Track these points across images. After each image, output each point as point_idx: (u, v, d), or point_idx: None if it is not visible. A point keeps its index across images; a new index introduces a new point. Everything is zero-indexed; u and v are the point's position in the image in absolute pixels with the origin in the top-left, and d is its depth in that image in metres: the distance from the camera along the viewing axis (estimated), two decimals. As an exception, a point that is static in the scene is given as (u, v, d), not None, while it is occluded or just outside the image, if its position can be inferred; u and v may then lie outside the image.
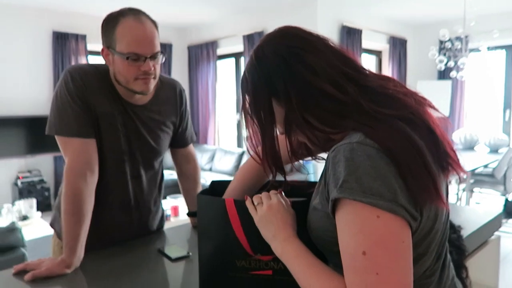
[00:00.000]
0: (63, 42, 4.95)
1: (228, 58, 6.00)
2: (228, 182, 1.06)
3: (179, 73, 6.17)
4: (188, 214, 1.35)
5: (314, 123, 0.71)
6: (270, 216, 0.78)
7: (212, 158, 5.63)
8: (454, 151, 0.71)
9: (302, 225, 0.77)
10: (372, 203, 0.58)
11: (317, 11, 4.40)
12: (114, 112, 1.23)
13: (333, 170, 0.63)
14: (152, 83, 1.21)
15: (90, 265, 1.14)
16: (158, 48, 1.18)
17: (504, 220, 3.77)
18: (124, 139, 1.26)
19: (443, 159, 0.68)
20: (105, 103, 1.22)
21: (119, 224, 1.33)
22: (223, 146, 5.84)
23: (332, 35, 4.54)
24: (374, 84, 0.71)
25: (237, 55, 5.82)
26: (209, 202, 0.92)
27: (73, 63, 5.01)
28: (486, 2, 4.47)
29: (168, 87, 1.38)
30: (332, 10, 4.55)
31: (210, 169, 5.57)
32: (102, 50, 1.19)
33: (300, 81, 0.70)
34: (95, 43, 5.15)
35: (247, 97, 0.78)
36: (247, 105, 0.77)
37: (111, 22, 1.15)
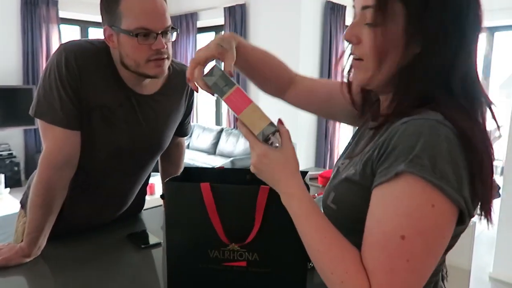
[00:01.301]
0: (33, 8, 4.67)
1: (209, 32, 5.81)
2: (202, 169, 1.00)
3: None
4: (162, 197, 1.29)
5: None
6: (261, 168, 0.69)
7: (190, 135, 5.54)
8: None
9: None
10: (440, 185, 0.54)
11: (301, -15, 4.27)
12: (113, 104, 1.08)
13: (401, 143, 0.57)
14: (167, 65, 1.06)
15: (53, 252, 1.06)
16: (169, 22, 1.03)
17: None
18: (122, 135, 1.12)
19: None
20: (104, 93, 1.07)
21: (99, 215, 1.24)
22: (202, 123, 5.74)
23: (315, 11, 4.44)
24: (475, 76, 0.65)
25: (217, 29, 5.64)
26: (182, 188, 0.85)
27: (43, 31, 4.74)
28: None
29: (180, 75, 1.23)
30: (316, -15, 4.42)
31: (188, 146, 5.48)
32: (104, 30, 1.02)
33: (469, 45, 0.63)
34: (68, 11, 4.89)
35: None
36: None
37: None
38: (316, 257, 0.62)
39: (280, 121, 0.72)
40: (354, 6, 0.69)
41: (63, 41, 4.72)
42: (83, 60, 1.03)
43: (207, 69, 0.74)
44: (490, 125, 0.67)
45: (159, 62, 1.03)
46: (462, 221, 0.58)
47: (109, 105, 1.08)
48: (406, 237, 0.54)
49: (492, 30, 5.01)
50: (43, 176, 1.03)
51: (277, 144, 0.71)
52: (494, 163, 0.64)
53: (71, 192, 1.11)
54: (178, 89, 1.24)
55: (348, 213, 0.68)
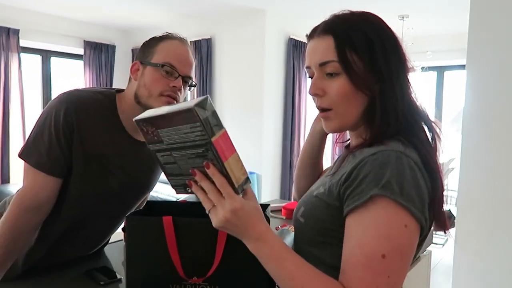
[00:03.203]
0: (-8, 36, 4.54)
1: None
2: (163, 202, 1.00)
3: (122, 77, 5.92)
4: (124, 230, 1.27)
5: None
6: (235, 221, 0.66)
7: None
8: None
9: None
10: (408, 207, 0.63)
11: (265, 22, 4.44)
12: (110, 153, 1.10)
13: (372, 171, 0.65)
14: None
15: (4, 291, 1.01)
16: (193, 75, 1.14)
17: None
18: (115, 182, 1.13)
19: None
20: (104, 143, 1.09)
21: (63, 255, 1.21)
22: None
23: (279, 47, 4.61)
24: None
25: (183, 61, 5.70)
26: (143, 222, 0.86)
27: (3, 60, 4.61)
28: (421, 25, 4.78)
29: None
30: (280, 22, 4.61)
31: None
32: (134, 64, 1.11)
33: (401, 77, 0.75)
34: (29, 40, 4.80)
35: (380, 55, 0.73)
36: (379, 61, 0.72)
37: (155, 40, 1.11)
38: None
39: None
40: (307, 67, 0.77)
41: (23, 70, 4.62)
42: (84, 114, 1.05)
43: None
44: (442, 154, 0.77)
45: (170, 99, 1.08)
46: (419, 236, 0.67)
47: (108, 154, 1.10)
48: (386, 255, 0.62)
49: (442, 69, 5.38)
50: (11, 216, 1.02)
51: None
52: (446, 191, 0.72)
53: (47, 237, 1.10)
54: None
55: (314, 226, 0.74)
